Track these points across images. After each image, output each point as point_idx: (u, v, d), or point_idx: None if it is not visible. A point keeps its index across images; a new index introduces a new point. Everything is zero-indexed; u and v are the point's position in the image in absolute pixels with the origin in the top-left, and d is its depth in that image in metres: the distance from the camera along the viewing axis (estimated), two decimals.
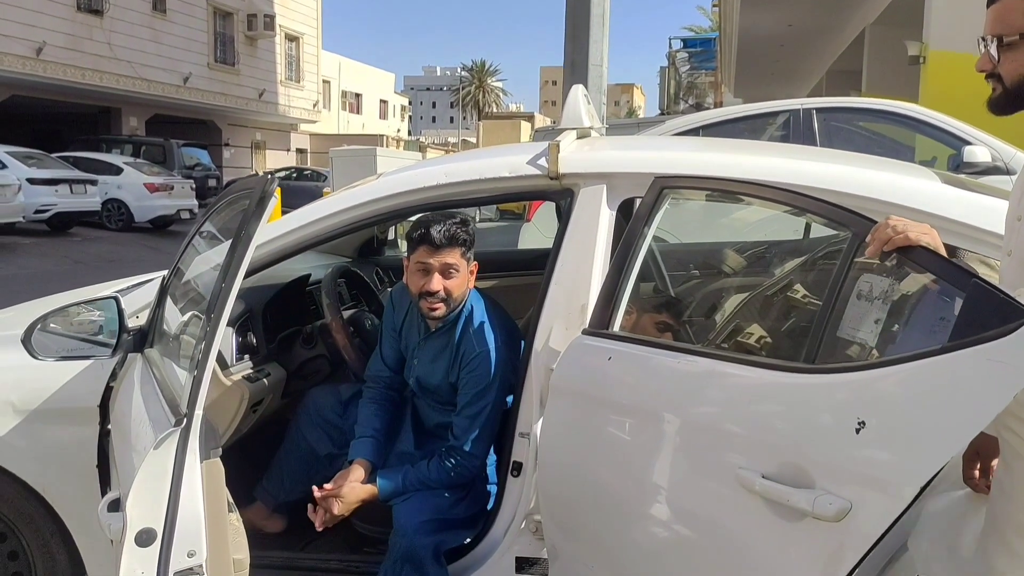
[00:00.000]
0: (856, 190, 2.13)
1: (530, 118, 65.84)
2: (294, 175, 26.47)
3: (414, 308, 2.63)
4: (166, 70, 24.40)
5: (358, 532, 2.69)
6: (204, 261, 2.25)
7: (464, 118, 76.22)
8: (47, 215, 15.88)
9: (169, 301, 2.33)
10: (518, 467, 2.41)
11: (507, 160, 2.53)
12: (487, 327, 2.56)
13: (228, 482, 2.91)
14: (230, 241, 1.69)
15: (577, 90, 2.85)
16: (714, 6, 36.94)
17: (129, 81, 22.88)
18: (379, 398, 2.72)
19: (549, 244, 2.54)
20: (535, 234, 6.92)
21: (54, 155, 17.50)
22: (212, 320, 1.55)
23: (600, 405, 2.15)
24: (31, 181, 15.19)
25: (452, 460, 2.51)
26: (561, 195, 2.47)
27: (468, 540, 2.50)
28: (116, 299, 2.30)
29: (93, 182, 16.88)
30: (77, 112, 24.33)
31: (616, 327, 2.21)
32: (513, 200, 2.71)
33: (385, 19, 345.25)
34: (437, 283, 2.48)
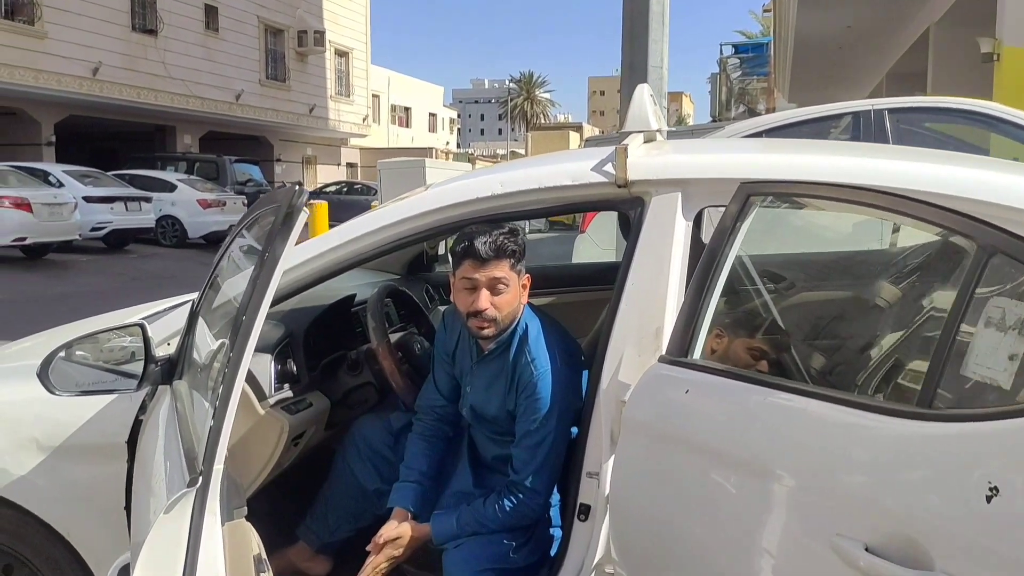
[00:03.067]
0: (983, 195, 1.81)
1: (579, 128, 65.69)
2: (344, 189, 26.56)
3: (466, 330, 2.38)
4: (219, 87, 24.70)
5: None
6: (234, 284, 2.03)
7: (512, 129, 76.26)
8: (103, 232, 16.08)
9: (200, 326, 2.12)
10: (586, 510, 2.14)
11: (568, 167, 2.27)
12: (545, 347, 2.29)
13: (268, 520, 2.71)
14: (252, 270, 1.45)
15: (643, 90, 2.58)
16: (765, 11, 36.33)
17: (183, 99, 23.20)
18: (429, 433, 2.47)
19: (605, 257, 2.29)
20: (590, 246, 6.66)
21: (110, 173, 17.76)
22: (232, 361, 1.31)
23: (679, 445, 1.87)
24: (87, 199, 15.40)
25: (512, 498, 2.25)
26: (630, 205, 2.21)
27: None
28: (142, 326, 2.09)
29: (148, 199, 17.07)
30: (133, 130, 24.76)
31: (697, 354, 1.94)
32: (576, 211, 2.47)
33: (433, 33, 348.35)
34: (485, 300, 2.23)
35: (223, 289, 2.09)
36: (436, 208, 2.29)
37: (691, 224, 2.17)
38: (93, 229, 15.64)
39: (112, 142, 25.76)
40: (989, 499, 1.23)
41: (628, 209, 2.21)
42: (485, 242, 2.19)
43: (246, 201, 19.56)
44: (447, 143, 53.03)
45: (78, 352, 2.37)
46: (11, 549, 2.38)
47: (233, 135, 27.05)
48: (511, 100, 79.64)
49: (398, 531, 2.27)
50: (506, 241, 2.21)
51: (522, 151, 60.95)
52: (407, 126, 47.75)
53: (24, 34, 18.51)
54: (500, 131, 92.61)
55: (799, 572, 1.55)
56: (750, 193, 1.93)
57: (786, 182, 1.92)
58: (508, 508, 2.24)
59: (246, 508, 1.41)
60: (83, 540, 2.31)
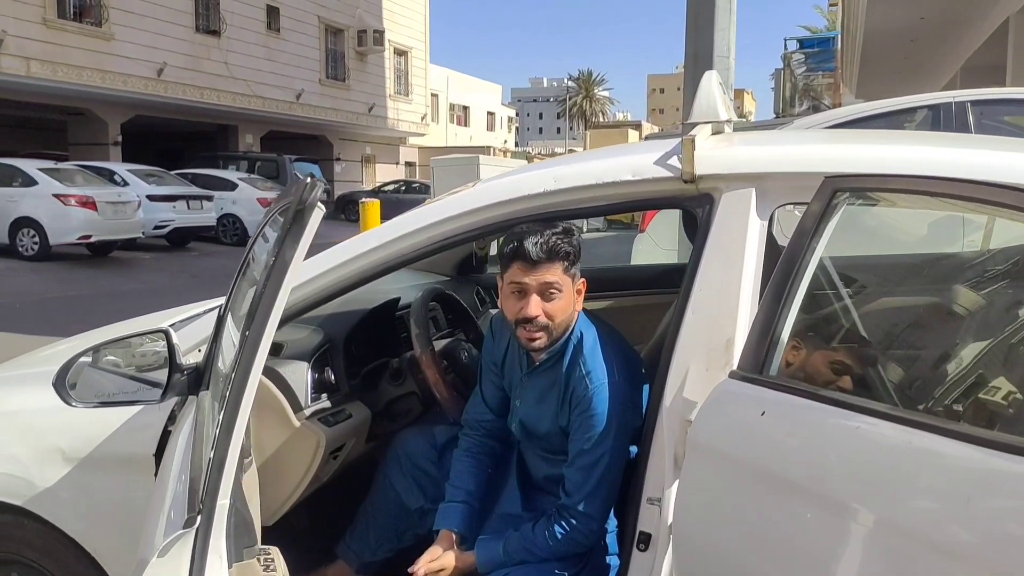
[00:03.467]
0: None
1: (638, 126, 65.09)
2: (403, 188, 26.64)
3: (515, 339, 2.18)
4: (280, 87, 24.95)
5: None
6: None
7: (571, 128, 75.83)
8: (166, 231, 16.35)
9: (227, 333, 1.97)
10: (646, 539, 1.93)
11: (629, 161, 2.06)
12: (602, 358, 2.07)
13: (306, 537, 2.55)
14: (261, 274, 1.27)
15: (711, 77, 2.35)
16: (832, 4, 35.38)
17: (245, 99, 23.48)
18: (476, 449, 2.28)
19: (667, 258, 2.06)
20: (651, 246, 6.39)
21: (173, 172, 18.04)
22: (236, 383, 1.14)
23: (752, 473, 1.65)
24: (150, 198, 15.67)
25: (563, 523, 2.04)
26: (697, 202, 1.98)
27: None
28: (167, 333, 1.94)
29: (209, 198, 17.30)
30: (197, 130, 25.18)
31: (773, 370, 1.71)
32: (636, 210, 2.26)
33: (492, 31, 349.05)
34: (535, 307, 2.02)
35: (250, 292, 1.93)
36: (483, 206, 2.10)
37: (766, 224, 1.94)
38: (156, 227, 15.93)
39: (177, 141, 26.25)
40: None
41: (695, 207, 1.99)
42: (536, 243, 1.98)
43: None
44: (505, 142, 52.96)
45: (108, 357, 2.25)
46: (38, 564, 2.27)
47: (293, 134, 27.32)
48: (570, 98, 79.19)
49: (441, 562, 2.08)
50: (559, 242, 2.00)
51: (580, 149, 60.59)
52: (465, 125, 47.80)
53: (91, 36, 18.90)
54: (558, 130, 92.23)
55: None
56: (836, 189, 1.70)
57: (881, 176, 1.68)
58: (559, 535, 2.04)
59: (257, 546, 1.24)
60: (109, 558, 2.19)
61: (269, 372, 2.15)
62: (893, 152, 1.88)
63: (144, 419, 2.13)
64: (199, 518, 1.12)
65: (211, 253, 17.07)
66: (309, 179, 1.20)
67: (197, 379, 1.97)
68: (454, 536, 2.15)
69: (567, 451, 2.12)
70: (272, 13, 24.94)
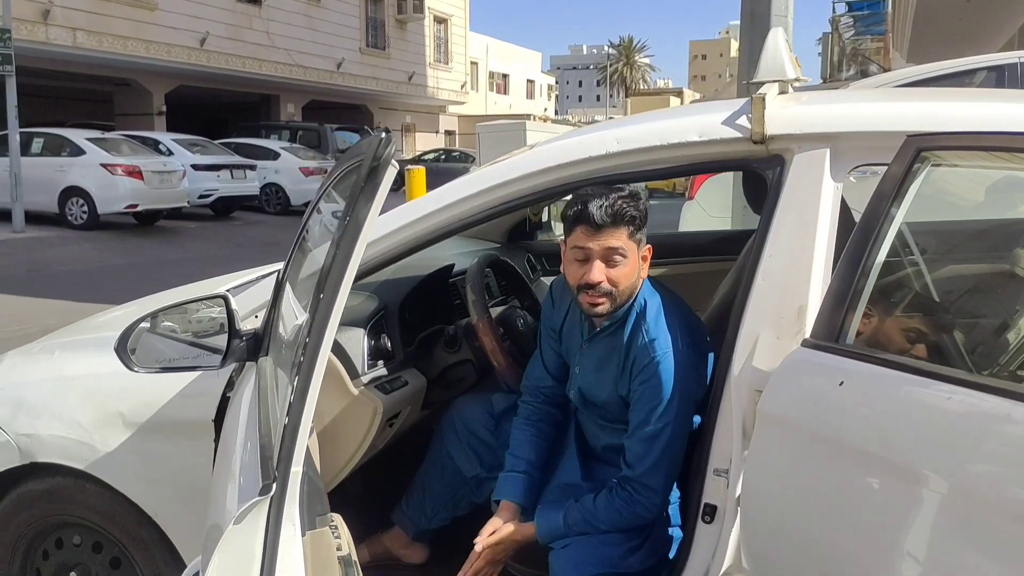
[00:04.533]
0: None
1: (679, 93, 64.09)
2: (443, 156, 26.57)
3: (575, 305, 2.13)
4: (321, 56, 24.97)
5: (510, 573, 2.24)
6: (321, 251, 1.84)
7: (611, 96, 74.98)
8: (210, 200, 16.50)
9: (286, 298, 1.95)
10: (711, 511, 1.88)
11: (695, 121, 1.98)
12: (665, 325, 2.01)
13: (362, 504, 2.54)
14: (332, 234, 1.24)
15: (777, 34, 2.25)
16: None
17: (286, 68, 23.55)
18: (536, 417, 2.24)
19: (716, 225, 1.99)
20: (699, 214, 6.27)
21: (217, 142, 18.18)
22: (311, 346, 1.11)
23: (826, 445, 1.59)
24: (195, 167, 15.82)
25: (625, 496, 2.00)
26: (768, 163, 1.90)
27: None
28: (226, 298, 1.92)
29: (252, 167, 17.41)
30: (239, 100, 25.33)
31: (850, 339, 1.65)
32: (702, 172, 2.19)
33: None
34: (599, 273, 1.96)
35: (310, 256, 1.90)
36: (542, 169, 2.04)
37: (840, 186, 1.86)
38: (201, 196, 16.08)
39: (220, 111, 26.44)
40: None
41: (765, 168, 1.91)
42: (601, 206, 1.92)
43: None
44: (545, 110, 52.53)
45: (165, 323, 2.24)
46: (101, 529, 2.29)
47: (334, 103, 27.37)
48: (610, 66, 78.19)
49: (501, 534, 2.06)
50: (625, 206, 1.94)
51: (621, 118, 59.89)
52: (505, 93, 47.48)
53: (135, 6, 19.03)
54: (598, 98, 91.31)
55: None
56: (921, 148, 1.61)
57: (971, 134, 1.59)
58: (620, 507, 2.00)
59: (329, 514, 1.22)
60: (171, 522, 2.20)
61: None
62: (982, 109, 1.78)
63: (203, 385, 2.13)
64: (274, 486, 1.10)
65: (255, 222, 17.22)
66: (384, 134, 1.16)
67: (256, 345, 1.96)
68: (514, 507, 2.12)
69: (625, 420, 2.07)
70: None
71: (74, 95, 23.77)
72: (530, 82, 52.23)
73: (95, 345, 2.42)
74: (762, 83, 2.10)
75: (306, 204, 16.36)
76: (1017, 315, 1.85)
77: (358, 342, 2.29)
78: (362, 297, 2.48)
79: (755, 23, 4.82)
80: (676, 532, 2.07)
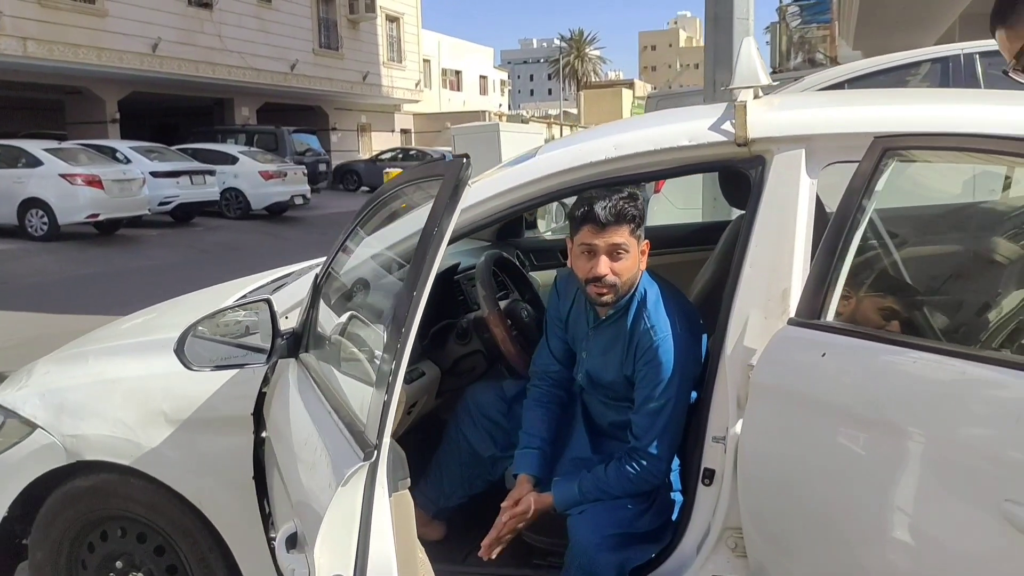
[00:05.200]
0: None
1: (630, 85, 64.61)
2: (400, 156, 26.66)
3: (581, 295, 2.36)
4: (274, 59, 24.89)
5: (527, 543, 2.46)
6: (365, 258, 2.04)
7: (564, 89, 75.40)
8: (170, 207, 16.44)
9: (324, 299, 2.14)
10: (710, 474, 2.13)
11: (686, 127, 2.22)
12: (664, 312, 2.26)
13: None
14: (416, 241, 1.44)
15: (749, 43, 2.50)
16: None
17: (240, 72, 23.44)
18: (546, 399, 2.47)
19: (682, 218, 2.23)
20: (667, 207, 6.56)
21: (173, 148, 18.08)
22: (402, 336, 1.32)
23: (816, 410, 1.84)
24: (154, 174, 15.75)
25: (635, 464, 2.25)
26: (751, 164, 2.15)
27: (653, 556, 2.24)
28: (268, 301, 2.12)
29: (211, 172, 17.37)
30: (193, 104, 25.14)
31: (830, 316, 1.90)
32: (692, 172, 2.39)
33: None
34: (604, 266, 2.20)
35: (351, 262, 2.10)
36: (549, 174, 2.26)
37: (815, 181, 2.11)
38: (161, 203, 16.01)
39: (173, 117, 26.20)
40: None
41: (749, 168, 2.16)
42: (605, 207, 2.16)
43: (305, 171, 19.75)
44: (499, 105, 52.74)
45: (200, 327, 2.42)
46: (145, 519, 2.46)
47: (289, 105, 27.29)
48: (561, 59, 78.61)
49: (524, 504, 2.28)
50: (626, 206, 2.18)
51: (574, 111, 60.28)
52: (458, 90, 47.59)
53: (86, 13, 18.85)
54: (550, 91, 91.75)
55: (960, 534, 1.52)
56: (887, 148, 1.86)
57: (929, 135, 1.84)
58: (631, 474, 2.24)
59: (409, 479, 1.43)
60: (214, 510, 2.38)
61: None
62: (940, 111, 2.04)
63: (240, 382, 2.32)
64: (375, 454, 1.30)
65: (216, 227, 17.19)
66: (465, 159, 1.37)
67: (295, 342, 2.15)
68: (532, 480, 2.34)
69: (630, 398, 2.31)
70: None
71: (23, 104, 23.37)
72: (483, 78, 52.39)
73: (130, 350, 2.60)
74: (739, 89, 2.35)
75: (267, 208, 16.34)
76: (974, 290, 2.12)
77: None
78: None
79: (718, 25, 5.09)
80: (677, 496, 2.31)
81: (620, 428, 2.36)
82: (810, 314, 1.90)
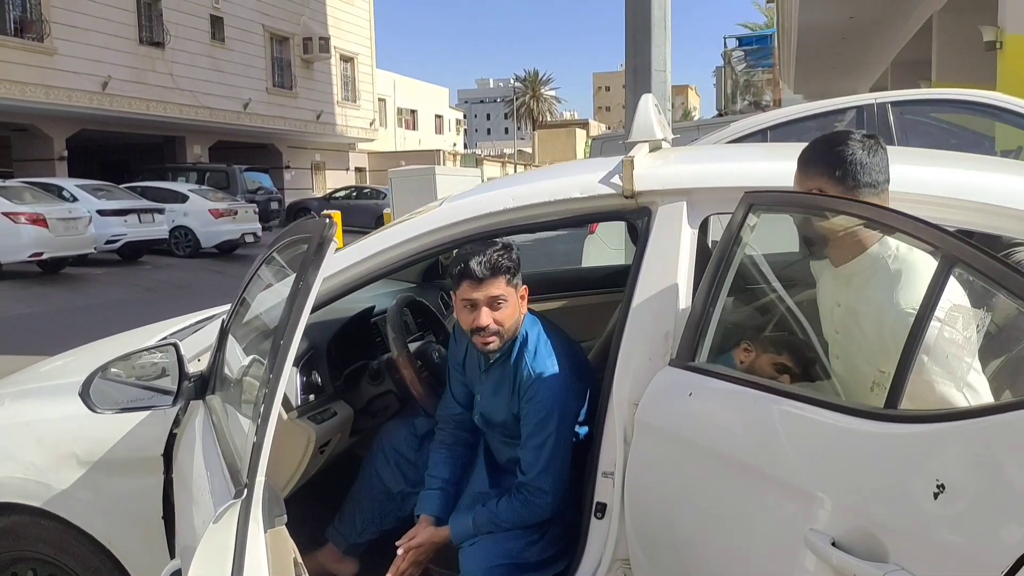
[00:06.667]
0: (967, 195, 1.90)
1: (584, 125, 65.60)
2: (354, 194, 26.73)
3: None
4: (227, 97, 24.89)
5: (431, 574, 2.55)
6: (263, 304, 2.14)
7: (519, 128, 76.27)
8: (118, 245, 16.26)
9: (230, 343, 2.23)
10: (602, 508, 2.24)
11: (578, 180, 2.36)
12: (543, 351, 2.40)
13: (298, 525, 2.81)
14: (287, 293, 1.55)
15: (647, 100, 2.67)
16: (769, 2, 36.25)
17: (192, 110, 23.39)
18: (449, 441, 2.59)
19: (614, 258, 2.37)
20: (600, 247, 6.75)
21: (122, 186, 17.95)
22: (271, 382, 1.42)
23: (684, 446, 1.98)
24: (101, 212, 15.60)
25: (521, 498, 2.36)
26: (638, 214, 2.30)
27: None
28: (175, 345, 2.19)
29: (160, 211, 17.25)
30: (143, 142, 24.98)
31: (703, 358, 2.04)
32: (586, 222, 2.55)
33: (436, 35, 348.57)
34: (486, 317, 2.34)
35: (252, 307, 2.19)
36: (451, 223, 2.38)
37: (696, 231, 2.26)
38: (108, 242, 15.84)
39: (123, 154, 25.99)
40: (936, 496, 1.32)
41: (636, 219, 2.30)
42: (480, 262, 2.29)
43: (257, 209, 19.72)
44: (454, 144, 53.16)
45: (112, 369, 2.47)
46: (55, 560, 2.49)
47: (242, 144, 27.23)
48: (517, 99, 79.63)
49: (420, 539, 2.39)
50: (500, 259, 2.31)
51: (529, 150, 61.01)
52: (414, 128, 47.93)
53: (34, 51, 18.72)
54: (507, 130, 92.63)
55: (783, 567, 1.64)
56: (753, 202, 2.02)
57: (787, 192, 2.01)
58: (518, 507, 2.35)
59: (286, 516, 1.51)
60: (123, 549, 2.42)
61: None
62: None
63: (151, 423, 2.38)
64: (245, 492, 1.39)
65: (164, 266, 17.03)
66: (328, 220, 1.49)
67: (203, 385, 2.23)
68: (431, 519, 2.44)
69: (519, 434, 2.42)
70: (216, 23, 24.87)
71: None
72: (438, 117, 52.84)
73: (44, 393, 2.64)
74: (634, 143, 2.51)
75: (217, 246, 16.24)
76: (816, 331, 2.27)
77: (292, 378, 2.57)
78: None
79: (638, 76, 5.32)
80: (570, 528, 2.41)
81: (516, 464, 2.47)
82: (686, 356, 2.04)
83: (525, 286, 2.42)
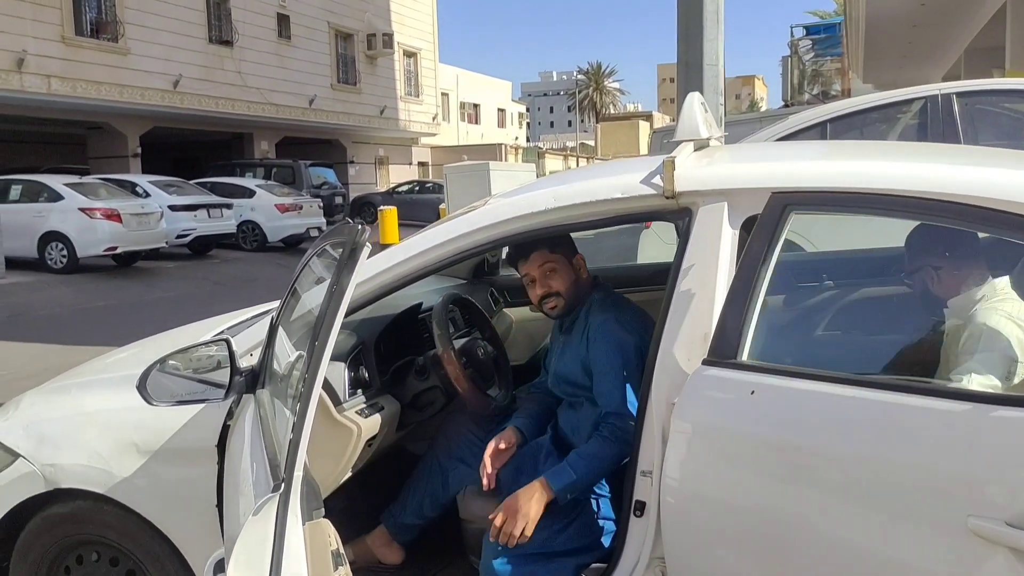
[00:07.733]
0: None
1: (648, 117, 64.99)
2: (416, 188, 27.00)
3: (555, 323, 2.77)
4: (293, 94, 25.37)
5: (474, 568, 2.59)
6: (309, 301, 2.21)
7: (582, 121, 75.98)
8: (188, 239, 16.79)
9: (279, 338, 2.31)
10: (641, 506, 2.25)
11: (619, 180, 2.37)
12: (609, 304, 2.63)
13: (345, 516, 2.90)
14: (323, 296, 1.61)
15: (693, 98, 2.66)
16: None
17: (259, 107, 23.92)
18: (539, 397, 2.84)
19: (670, 253, 2.37)
20: (655, 241, 6.68)
21: (192, 182, 18.48)
22: (308, 380, 1.47)
23: (736, 442, 1.99)
24: (172, 208, 16.13)
25: (610, 426, 2.43)
26: (679, 215, 2.30)
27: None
28: (228, 341, 2.28)
29: (229, 206, 17.72)
30: (213, 139, 25.65)
31: (744, 356, 2.04)
32: (627, 222, 2.54)
33: (500, 28, 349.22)
34: (542, 286, 2.62)
35: (301, 302, 2.27)
36: (495, 223, 2.42)
37: (738, 232, 2.25)
38: (178, 236, 16.37)
39: (193, 151, 26.73)
40: None
41: (677, 219, 2.30)
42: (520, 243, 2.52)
43: (321, 204, 20.10)
44: (516, 138, 53.24)
45: (171, 362, 2.58)
46: (118, 544, 2.62)
47: (307, 139, 27.75)
48: (580, 92, 79.31)
49: (505, 443, 2.60)
50: None
51: (591, 143, 60.72)
52: (476, 123, 48.17)
53: (108, 51, 19.36)
54: (569, 123, 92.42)
55: (927, 553, 1.69)
56: (784, 204, 2.01)
57: (815, 191, 1.99)
58: (607, 435, 2.41)
59: (323, 509, 1.57)
60: (180, 536, 2.53)
61: None
62: (831, 168, 2.20)
63: (207, 415, 2.48)
64: (283, 485, 1.45)
65: (232, 260, 17.51)
66: (360, 226, 1.54)
67: (253, 380, 2.31)
68: (518, 432, 2.66)
69: (585, 387, 2.56)
70: (283, 21, 25.36)
71: (47, 139, 23.99)
72: (501, 111, 53.00)
73: (108, 384, 2.77)
74: (679, 143, 2.51)
75: (283, 240, 16.67)
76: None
77: (340, 374, 2.64)
78: (343, 334, 2.83)
79: (690, 71, 5.27)
80: (604, 523, 2.43)
81: (571, 428, 2.63)
82: (722, 355, 2.05)
83: (579, 254, 2.67)
